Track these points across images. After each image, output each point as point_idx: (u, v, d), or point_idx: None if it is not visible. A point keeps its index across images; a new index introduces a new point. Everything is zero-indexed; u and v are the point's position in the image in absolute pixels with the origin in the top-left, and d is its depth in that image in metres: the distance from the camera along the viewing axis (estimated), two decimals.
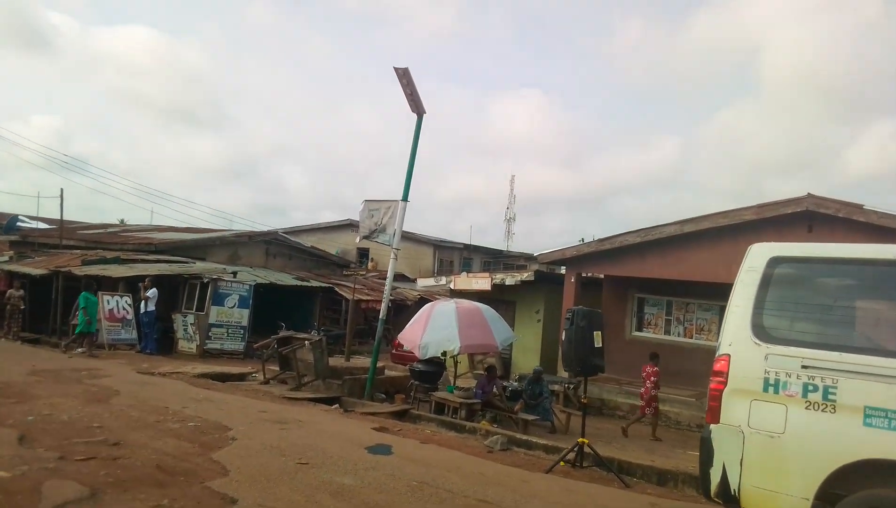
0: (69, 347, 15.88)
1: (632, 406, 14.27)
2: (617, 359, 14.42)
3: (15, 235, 29.19)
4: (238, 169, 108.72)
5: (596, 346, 8.32)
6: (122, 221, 41.57)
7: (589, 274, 18.35)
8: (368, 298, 22.95)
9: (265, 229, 30.02)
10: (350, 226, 33.32)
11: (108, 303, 17.57)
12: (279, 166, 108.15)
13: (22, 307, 18.85)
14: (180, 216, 39.40)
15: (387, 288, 13.54)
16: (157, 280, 17.91)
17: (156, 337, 17.63)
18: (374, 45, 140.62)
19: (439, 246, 36.26)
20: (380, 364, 13.75)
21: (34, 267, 20.14)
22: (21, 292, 18.89)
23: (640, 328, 17.91)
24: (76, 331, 16.21)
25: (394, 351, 19.36)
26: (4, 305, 18.73)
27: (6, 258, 23.15)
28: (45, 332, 19.32)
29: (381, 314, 13.64)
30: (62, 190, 26.72)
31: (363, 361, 15.52)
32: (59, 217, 27.12)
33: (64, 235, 25.73)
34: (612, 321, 16.54)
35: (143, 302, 17.30)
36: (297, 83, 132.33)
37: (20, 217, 34.31)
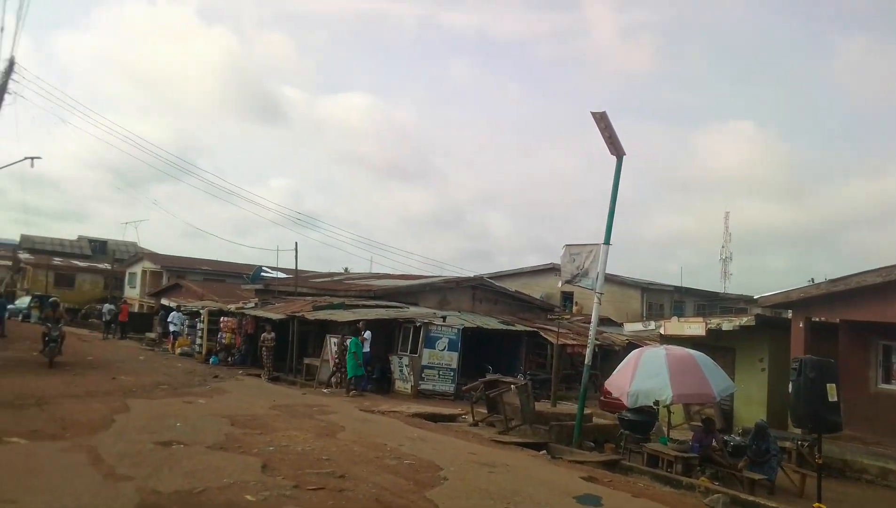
0: (348, 390, 17.44)
1: (881, 470, 12.43)
2: (860, 415, 12.74)
3: (259, 284, 33.25)
4: (445, 217, 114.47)
5: (830, 400, 7.46)
6: (346, 269, 45.53)
7: (821, 319, 16.51)
8: (574, 342, 22.68)
9: (471, 274, 31.13)
10: (553, 270, 33.35)
11: (334, 344, 19.24)
12: (483, 213, 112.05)
13: (272, 347, 21.22)
14: (395, 264, 42.52)
15: (591, 333, 13.31)
16: (376, 323, 19.30)
17: (374, 377, 18.93)
18: (569, 89, 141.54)
19: (647, 289, 34.93)
20: (587, 411, 13.47)
21: (274, 312, 22.74)
22: (272, 334, 21.26)
23: (887, 380, 15.66)
24: (349, 375, 17.72)
25: (602, 398, 18.84)
26: (260, 347, 21.24)
27: (252, 305, 26.40)
28: (283, 370, 21.63)
29: (587, 360, 13.41)
30: (296, 244, 30.03)
31: (570, 407, 15.29)
32: (293, 268, 30.47)
33: (298, 283, 28.77)
34: (853, 372, 14.69)
35: (368, 345, 18.67)
36: (497, 131, 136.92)
37: (263, 268, 39.05)
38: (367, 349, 18.58)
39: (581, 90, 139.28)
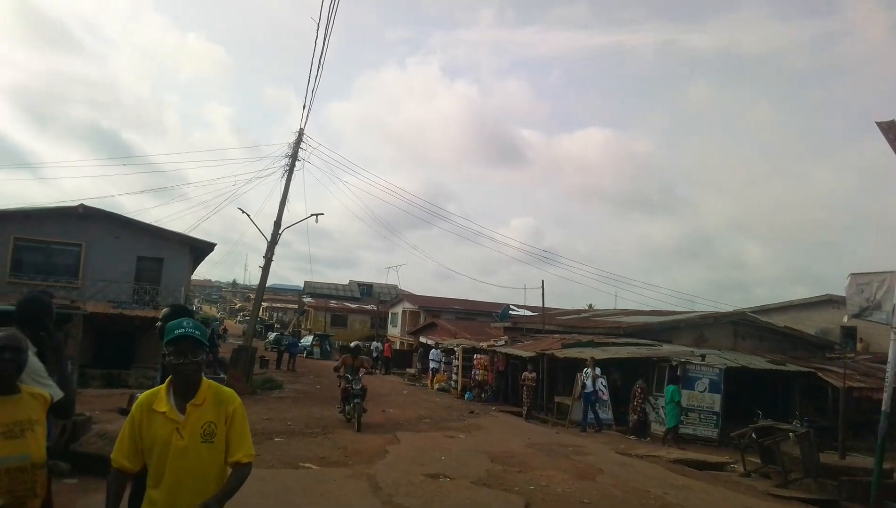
0: (666, 441, 16.41)
1: None
2: None
3: (507, 322, 34.16)
4: (693, 248, 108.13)
5: None
6: (590, 305, 44.98)
7: None
8: (861, 385, 19.68)
9: (730, 309, 28.79)
10: (830, 302, 29.60)
11: (585, 380, 18.92)
12: (735, 241, 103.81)
13: (533, 386, 21.00)
14: (640, 298, 41.10)
15: (889, 373, 11.44)
16: (623, 362, 18.61)
17: (629, 418, 18.23)
18: (830, 99, 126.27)
19: None
20: (887, 465, 11.54)
21: (524, 350, 23.12)
22: (533, 373, 21.07)
23: None
24: (669, 425, 16.64)
25: None
26: (521, 385, 21.29)
27: (502, 342, 27.16)
28: (533, 408, 21.78)
29: (884, 406, 11.53)
30: (542, 282, 30.39)
31: (862, 460, 13.25)
32: (538, 305, 30.81)
33: (546, 320, 29.02)
34: None
35: (590, 380, 17.98)
36: (746, 153, 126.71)
37: (510, 306, 40.11)
38: (594, 387, 17.87)
39: (845, 100, 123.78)
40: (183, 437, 2.88)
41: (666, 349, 20.66)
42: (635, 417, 17.87)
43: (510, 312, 38.50)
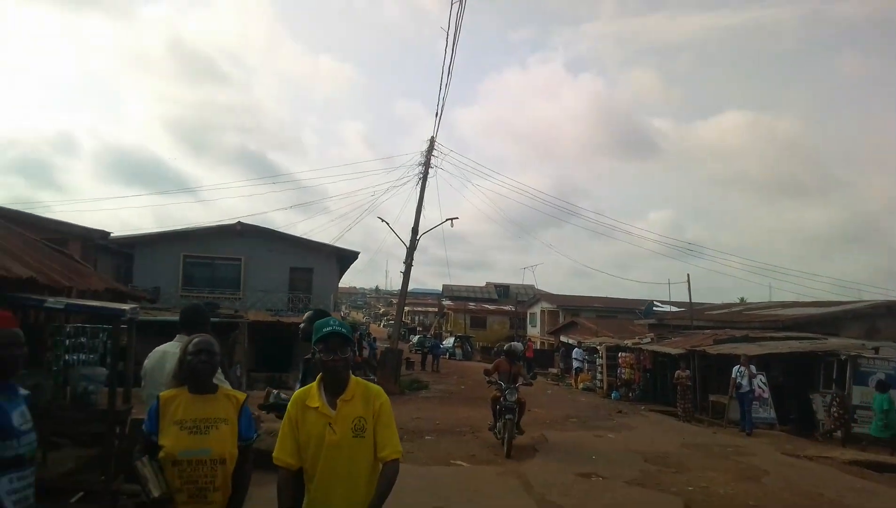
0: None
1: None
2: None
3: (652, 318, 32.94)
4: (855, 232, 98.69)
5: None
6: (741, 299, 42.35)
7: None
8: None
9: None
10: None
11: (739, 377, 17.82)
12: None
13: (689, 385, 19.96)
14: (799, 289, 37.88)
15: None
16: (786, 358, 17.33)
17: (791, 417, 16.95)
18: None
19: None
20: None
21: (672, 347, 22.19)
22: (687, 372, 20.03)
23: None
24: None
25: None
26: (675, 384, 20.29)
27: (648, 339, 26.23)
28: (689, 408, 20.80)
29: None
30: (688, 276, 28.78)
31: None
32: (685, 300, 29.43)
33: (694, 316, 27.68)
34: None
35: (745, 379, 16.76)
36: None
37: (654, 303, 38.65)
38: (751, 385, 16.62)
39: None
40: (335, 432, 2.99)
41: (833, 342, 19.01)
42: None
43: (654, 308, 37.09)
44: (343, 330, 3.10)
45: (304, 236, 26.87)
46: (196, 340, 3.28)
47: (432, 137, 23.77)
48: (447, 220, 24.18)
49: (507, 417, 10.72)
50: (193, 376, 3.19)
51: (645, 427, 15.31)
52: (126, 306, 5.89)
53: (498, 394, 11.11)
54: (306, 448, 3.03)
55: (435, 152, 23.81)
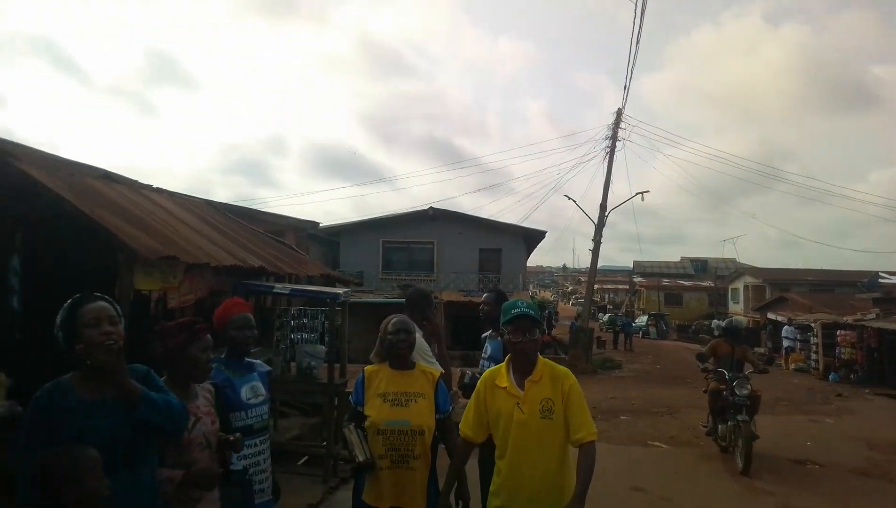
0: None
1: None
2: None
3: (877, 292, 29.36)
4: None
5: None
6: None
7: None
8: None
9: None
10: None
11: None
12: None
13: None
14: None
15: None
16: None
17: None
18: None
19: None
20: None
21: None
22: None
23: None
24: None
25: None
26: None
27: (872, 316, 23.47)
28: None
29: None
30: None
31: None
32: None
33: None
34: None
35: None
36: None
37: (880, 274, 34.39)
38: None
39: None
40: (523, 412, 3.04)
41: None
42: None
43: (880, 280, 32.99)
44: (531, 312, 3.14)
45: (492, 218, 27.46)
46: (394, 320, 3.59)
47: (619, 110, 23.07)
48: (637, 194, 23.38)
49: (739, 419, 8.08)
50: (393, 353, 3.51)
51: (870, 413, 13.82)
52: (340, 291, 6.53)
53: (720, 386, 8.60)
54: (496, 426, 3.13)
55: (622, 124, 23.10)
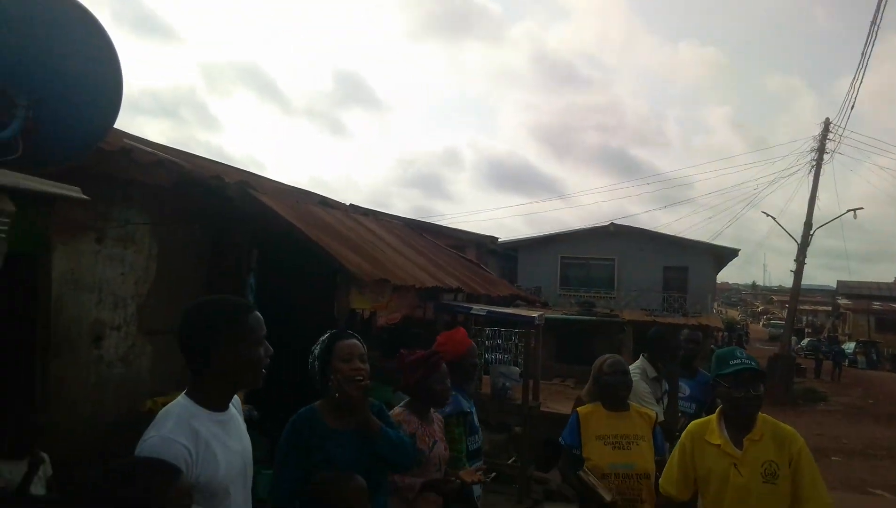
0: None
1: None
2: None
3: None
4: None
5: None
6: None
7: None
8: None
9: None
10: None
11: None
12: None
13: None
14: None
15: None
16: None
17: None
18: None
19: None
20: None
21: None
22: None
23: None
24: None
25: None
26: None
27: None
28: None
29: None
30: None
31: None
32: None
33: None
34: None
35: None
36: None
37: None
38: None
39: None
40: (741, 474, 2.75)
41: None
42: None
43: None
44: (753, 364, 2.84)
45: (678, 235, 26.26)
46: (610, 360, 3.55)
47: (826, 120, 21.11)
48: (849, 211, 21.15)
49: None
50: (610, 394, 3.45)
51: None
52: (535, 314, 6.60)
53: None
54: (705, 486, 2.87)
55: (830, 135, 21.08)
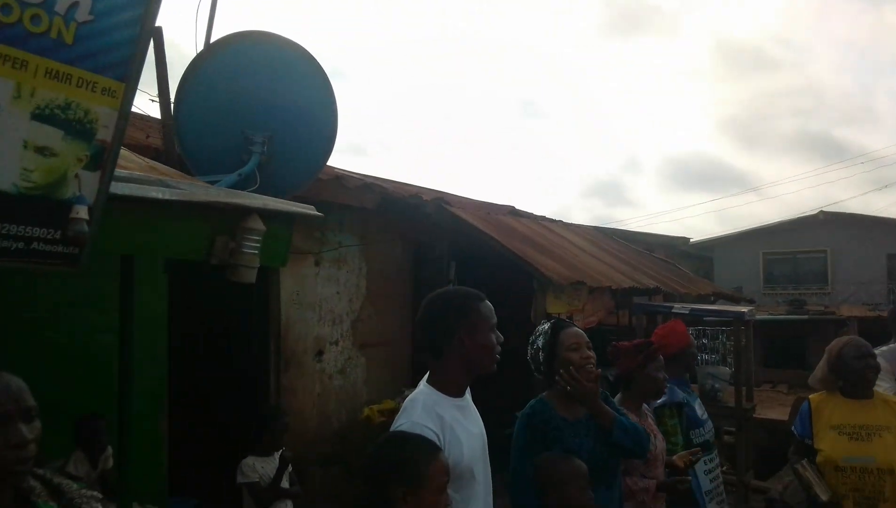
0: None
1: None
2: None
3: None
4: None
5: None
6: None
7: None
8: None
9: None
10: None
11: None
12: None
13: None
14: None
15: None
16: None
17: None
18: None
19: None
20: None
21: None
22: None
23: None
24: None
25: None
26: None
27: None
28: None
29: None
30: None
31: None
32: None
33: None
34: None
35: None
36: None
37: None
38: None
39: None
40: None
41: None
42: None
43: None
44: None
45: None
46: (855, 341, 3.24)
47: None
48: None
49: None
50: (859, 380, 3.14)
51: None
52: (744, 309, 6.20)
53: None
54: None
55: None
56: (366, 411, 5.57)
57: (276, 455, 3.76)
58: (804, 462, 3.11)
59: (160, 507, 3.21)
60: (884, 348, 3.96)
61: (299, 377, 5.47)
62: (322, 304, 5.69)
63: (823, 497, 2.94)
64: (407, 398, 2.09)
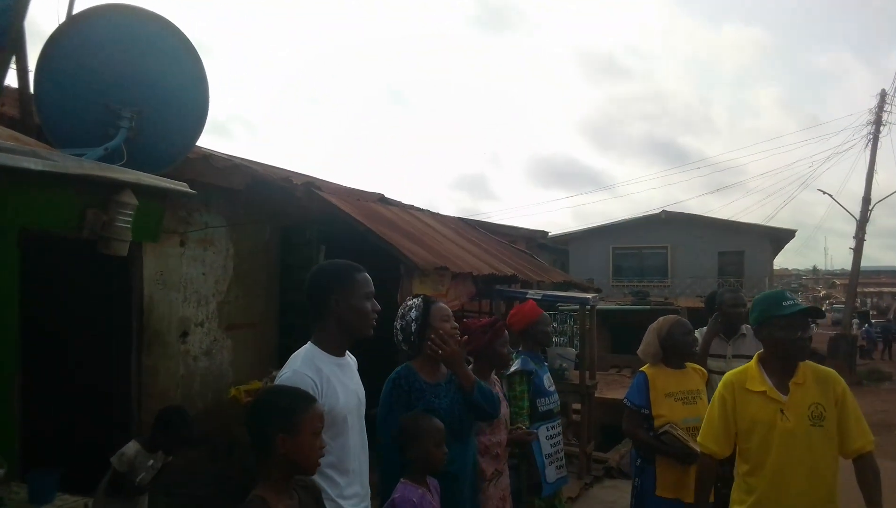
0: None
1: None
2: None
3: None
4: None
5: None
6: None
7: None
8: None
9: None
10: None
11: None
12: None
13: None
14: None
15: None
16: None
17: None
18: None
19: None
20: None
21: None
22: None
23: None
24: None
25: None
26: None
27: None
28: None
29: None
30: None
31: None
32: None
33: None
34: None
35: None
36: None
37: None
38: None
39: None
40: (788, 418, 2.67)
41: None
42: None
43: None
44: (808, 305, 2.80)
45: (732, 219, 25.88)
46: (679, 320, 3.77)
47: (882, 91, 20.57)
48: None
49: None
50: (683, 352, 3.67)
51: None
52: (590, 296, 6.82)
53: None
54: (748, 437, 2.76)
55: (887, 107, 20.54)
56: (232, 391, 5.56)
57: (160, 456, 3.60)
58: (671, 424, 3.43)
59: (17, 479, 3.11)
60: (703, 328, 4.61)
61: (162, 357, 5.37)
62: (187, 285, 5.61)
63: (699, 450, 3.03)
64: (292, 355, 2.32)
